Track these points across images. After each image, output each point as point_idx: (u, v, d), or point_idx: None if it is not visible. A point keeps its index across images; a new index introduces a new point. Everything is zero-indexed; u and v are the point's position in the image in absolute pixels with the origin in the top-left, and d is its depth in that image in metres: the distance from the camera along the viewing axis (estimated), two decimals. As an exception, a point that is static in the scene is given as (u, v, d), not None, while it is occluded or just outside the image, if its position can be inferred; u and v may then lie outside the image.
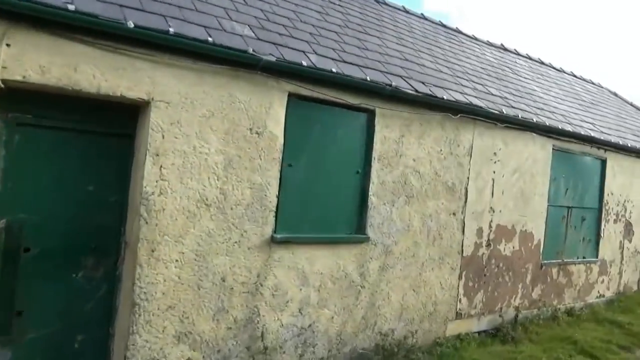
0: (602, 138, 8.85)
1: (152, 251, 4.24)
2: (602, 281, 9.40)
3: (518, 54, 12.14)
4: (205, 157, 4.51)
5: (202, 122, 4.49)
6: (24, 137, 3.99)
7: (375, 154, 5.78)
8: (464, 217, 6.80)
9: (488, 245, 7.17)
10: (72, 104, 4.09)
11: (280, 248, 5.03)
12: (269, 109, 4.89)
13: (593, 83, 14.34)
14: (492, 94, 7.70)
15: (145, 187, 4.20)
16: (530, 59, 12.44)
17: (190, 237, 4.45)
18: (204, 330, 4.58)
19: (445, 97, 6.29)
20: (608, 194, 9.31)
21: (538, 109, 8.37)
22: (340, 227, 5.61)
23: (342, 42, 6.26)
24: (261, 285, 4.92)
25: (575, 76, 13.65)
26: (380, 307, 5.95)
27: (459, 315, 6.85)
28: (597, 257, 9.20)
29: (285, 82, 4.97)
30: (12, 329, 4.01)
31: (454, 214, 6.68)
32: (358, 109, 5.62)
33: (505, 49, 11.86)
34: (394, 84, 5.76)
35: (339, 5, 7.76)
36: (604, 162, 9.21)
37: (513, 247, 7.55)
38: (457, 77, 7.58)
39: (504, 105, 7.44)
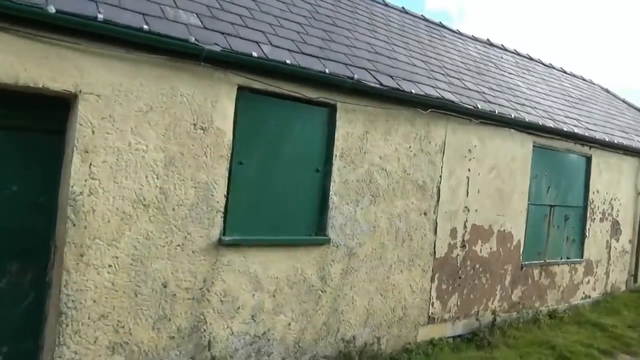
0: (586, 134, 8.53)
1: (81, 256, 3.93)
2: (588, 282, 9.08)
3: (505, 49, 11.82)
4: (142, 155, 4.20)
5: (139, 117, 4.18)
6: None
7: (336, 151, 5.47)
8: (436, 217, 6.49)
9: (463, 246, 6.85)
10: (-8, 97, 3.78)
11: (229, 251, 4.73)
12: (215, 103, 4.58)
13: (584, 79, 14.02)
14: (469, 89, 7.38)
15: (72, 186, 3.89)
16: (517, 54, 12.12)
17: (125, 240, 4.14)
18: (142, 340, 4.27)
19: (413, 91, 5.98)
20: (593, 192, 8.99)
21: (519, 104, 8.05)
22: (298, 229, 5.30)
23: (305, 33, 5.95)
24: (208, 291, 4.61)
25: (565, 72, 13.33)
26: (344, 312, 5.64)
27: (431, 320, 6.54)
28: (582, 257, 8.88)
29: (234, 75, 4.66)
30: None
31: (425, 213, 6.37)
32: (317, 104, 5.31)
33: (492, 44, 11.53)
34: (356, 76, 5.44)
35: (309, -4, 7.45)
36: (588, 160, 8.89)
37: (490, 248, 7.24)
38: (432, 71, 7.26)
39: (481, 100, 7.13)
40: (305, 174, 5.33)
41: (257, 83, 4.81)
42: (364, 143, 5.71)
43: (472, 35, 11.18)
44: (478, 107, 6.74)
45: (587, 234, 8.94)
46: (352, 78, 5.39)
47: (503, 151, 7.30)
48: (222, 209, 4.68)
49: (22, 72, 3.66)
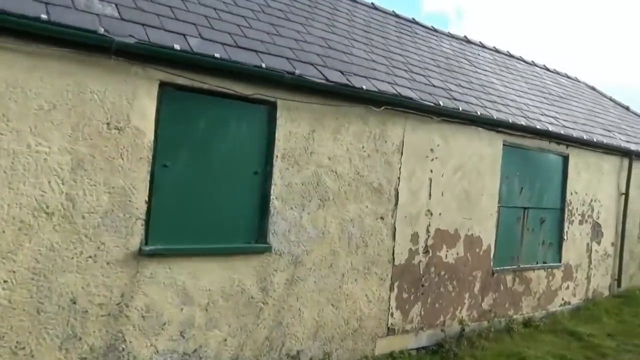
0: (562, 133, 8.13)
1: (-31, 270, 3.54)
2: (567, 287, 8.66)
3: (483, 47, 11.45)
4: (44, 158, 3.81)
5: (39, 116, 3.79)
6: None
7: (278, 152, 5.08)
8: (394, 222, 6.08)
9: (426, 252, 6.45)
10: None
11: (152, 262, 4.33)
12: (132, 100, 4.20)
13: (568, 77, 13.64)
14: (434, 86, 6.99)
15: (-43, 193, 3.50)
16: (497, 51, 11.75)
17: (24, 252, 3.75)
18: (47, 362, 3.87)
19: (365, 87, 5.59)
20: (571, 193, 8.58)
21: (489, 102, 7.66)
22: (235, 236, 4.90)
23: (248, 27, 5.57)
24: (127, 307, 4.21)
25: (548, 69, 12.96)
26: (289, 325, 5.23)
27: (391, 331, 6.13)
28: (560, 262, 8.47)
29: (154, 70, 4.28)
30: None
31: (382, 218, 5.97)
32: (255, 101, 4.92)
33: (469, 41, 11.16)
34: (297, 72, 5.05)
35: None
36: (565, 159, 8.49)
37: (457, 254, 6.83)
38: (394, 67, 6.88)
39: (445, 97, 6.74)
40: (242, 176, 4.93)
41: (182, 79, 4.43)
42: (310, 143, 5.32)
43: (448, 32, 10.81)
44: (440, 104, 6.35)
45: (565, 237, 8.53)
46: (293, 73, 5.00)
47: (469, 150, 6.90)
48: (143, 216, 4.29)
49: None
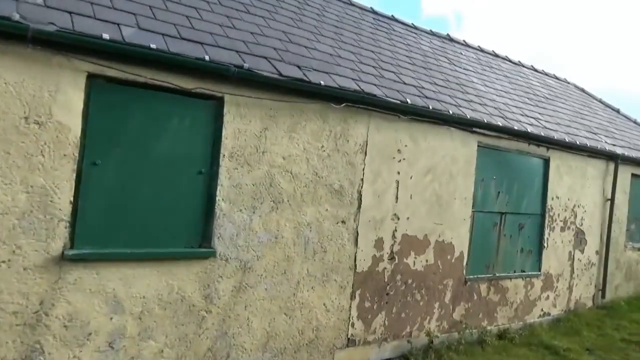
0: (542, 134, 7.80)
1: None
2: (547, 297, 8.31)
3: (467, 45, 11.14)
4: (-50, 153, 3.50)
5: (-56, 108, 3.48)
6: None
7: (225, 151, 4.76)
8: (357, 226, 5.76)
9: (392, 258, 6.11)
10: None
11: (77, 267, 4.01)
12: (55, 93, 3.88)
13: (557, 78, 13.32)
14: (405, 83, 6.67)
15: None
16: (482, 51, 11.43)
17: None
18: (-50, 376, 3.55)
19: (323, 83, 5.27)
20: (552, 198, 8.25)
21: (466, 101, 7.34)
22: (175, 240, 4.57)
23: (198, 18, 5.26)
24: (46, 315, 3.89)
25: (535, 70, 12.65)
26: (236, 335, 4.90)
27: (351, 342, 5.79)
28: (539, 270, 8.12)
29: (81, 61, 3.96)
30: None
31: (343, 222, 5.64)
32: (199, 96, 4.61)
33: (452, 40, 10.85)
34: (247, 65, 4.74)
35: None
36: (546, 162, 8.15)
37: (426, 261, 6.49)
38: (362, 63, 6.56)
39: (415, 95, 6.42)
40: (184, 176, 4.61)
41: (114, 71, 4.11)
42: (262, 141, 5.00)
43: (430, 30, 10.50)
44: (408, 102, 6.03)
45: (546, 245, 8.18)
46: (241, 67, 4.68)
47: (441, 151, 6.57)
48: (68, 218, 3.97)
49: None
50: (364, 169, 5.80)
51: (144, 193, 4.38)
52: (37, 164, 3.82)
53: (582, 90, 13.68)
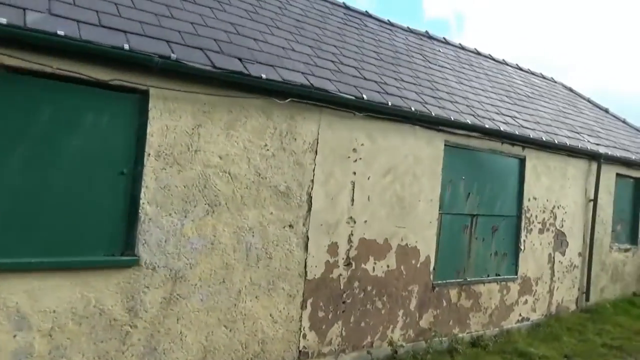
0: (516, 133, 7.40)
1: None
2: (525, 302, 7.88)
3: (447, 43, 10.76)
4: None
5: None
6: None
7: (150, 149, 4.36)
8: (307, 230, 5.35)
9: (348, 264, 5.70)
10: None
11: (-29, 279, 3.60)
12: (-58, 84, 3.49)
13: (544, 77, 12.95)
14: (365, 79, 6.28)
15: None
16: (463, 49, 11.06)
17: None
18: None
19: (264, 76, 4.87)
20: (529, 199, 7.83)
21: (434, 98, 6.95)
22: (93, 248, 4.16)
23: (130, 6, 4.87)
24: None
25: (520, 69, 12.26)
26: (167, 351, 4.49)
27: (304, 355, 5.38)
28: (516, 274, 7.69)
29: (-26, 48, 3.58)
30: None
31: (290, 226, 5.23)
32: (118, 88, 4.21)
33: (430, 37, 10.48)
34: (174, 56, 4.34)
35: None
36: (522, 162, 7.75)
37: (388, 266, 6.08)
38: (319, 57, 6.17)
39: (375, 91, 6.02)
40: (103, 177, 4.21)
41: (15, 60, 3.72)
42: (194, 139, 4.60)
43: (407, 27, 10.14)
44: (364, 98, 5.64)
45: (523, 247, 7.76)
46: (168, 57, 4.29)
47: (403, 151, 6.17)
48: (-40, 224, 3.57)
49: None
50: (314, 169, 5.40)
51: (55, 196, 3.98)
52: None
53: (570, 89, 13.28)
